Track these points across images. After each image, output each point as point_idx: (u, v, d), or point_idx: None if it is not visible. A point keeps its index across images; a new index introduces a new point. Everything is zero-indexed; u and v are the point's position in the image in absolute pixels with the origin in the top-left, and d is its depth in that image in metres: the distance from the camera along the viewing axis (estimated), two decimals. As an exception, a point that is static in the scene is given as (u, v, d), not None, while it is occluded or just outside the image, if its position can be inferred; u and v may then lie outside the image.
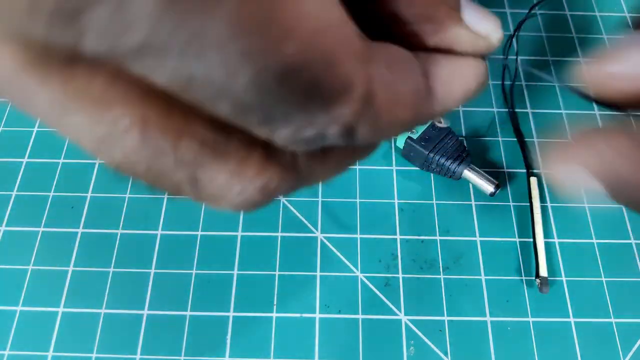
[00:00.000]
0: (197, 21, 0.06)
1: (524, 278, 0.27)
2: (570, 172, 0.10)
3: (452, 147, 0.28)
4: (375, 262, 0.27)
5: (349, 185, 0.30)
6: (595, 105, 0.33)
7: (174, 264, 0.27)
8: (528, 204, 0.29)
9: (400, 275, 0.27)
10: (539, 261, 0.27)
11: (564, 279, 0.27)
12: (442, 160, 0.28)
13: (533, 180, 0.29)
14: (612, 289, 0.27)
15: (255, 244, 0.28)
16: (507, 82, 0.33)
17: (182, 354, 0.25)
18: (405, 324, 0.26)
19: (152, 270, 0.27)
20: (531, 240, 0.28)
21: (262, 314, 0.26)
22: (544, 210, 0.28)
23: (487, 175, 0.28)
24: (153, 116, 0.08)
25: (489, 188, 0.28)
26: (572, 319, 0.26)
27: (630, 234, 0.28)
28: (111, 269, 0.27)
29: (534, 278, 0.27)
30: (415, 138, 0.28)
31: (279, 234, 0.28)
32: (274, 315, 0.26)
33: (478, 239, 0.28)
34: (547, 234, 0.28)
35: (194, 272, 0.27)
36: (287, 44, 0.07)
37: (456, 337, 0.26)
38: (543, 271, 0.26)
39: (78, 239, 0.28)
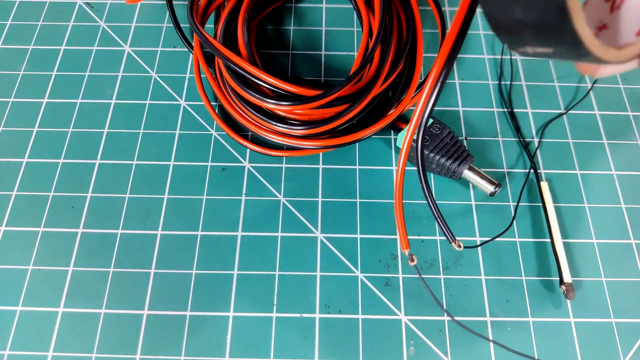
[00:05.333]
0: None
1: (524, 278, 0.27)
2: None
3: (452, 147, 0.28)
4: (375, 262, 0.27)
5: (349, 185, 0.30)
6: (595, 105, 0.33)
7: (174, 264, 0.27)
8: (528, 204, 0.29)
9: (400, 275, 0.27)
10: (561, 268, 0.26)
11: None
12: (442, 160, 0.28)
13: (544, 185, 0.29)
14: (612, 289, 0.27)
15: (255, 244, 0.28)
16: (507, 82, 0.33)
17: (182, 354, 0.25)
18: (405, 324, 0.26)
19: (152, 270, 0.27)
20: (532, 240, 0.28)
21: (262, 314, 0.26)
22: (542, 210, 0.28)
23: (487, 175, 0.28)
24: None
25: (489, 188, 0.28)
26: (572, 319, 0.26)
27: (630, 234, 0.28)
28: (111, 269, 0.27)
29: (534, 278, 0.27)
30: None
31: (279, 234, 0.28)
32: (274, 315, 0.26)
33: (478, 238, 0.28)
34: (547, 234, 0.28)
35: (194, 272, 0.27)
36: None
37: (456, 337, 0.26)
38: (567, 277, 0.26)
39: (78, 239, 0.28)
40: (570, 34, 0.13)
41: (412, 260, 0.24)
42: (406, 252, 0.24)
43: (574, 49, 0.14)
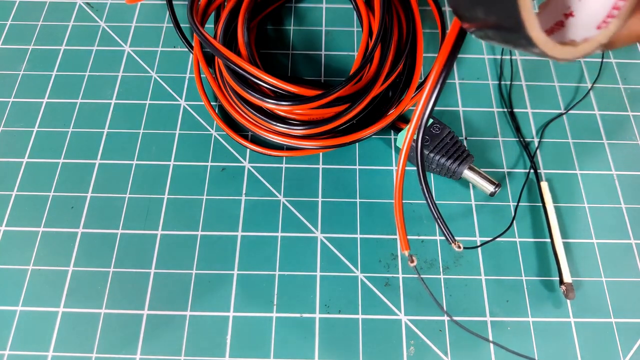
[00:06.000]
0: None
1: (524, 278, 0.27)
2: None
3: (452, 147, 0.28)
4: (375, 262, 0.27)
5: (349, 185, 0.30)
6: (595, 105, 0.33)
7: (174, 264, 0.27)
8: (528, 204, 0.29)
9: (400, 275, 0.27)
10: (561, 268, 0.27)
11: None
12: (442, 160, 0.28)
13: (544, 185, 0.29)
14: (612, 289, 0.27)
15: (255, 244, 0.28)
16: (507, 82, 0.33)
17: (182, 354, 0.25)
18: (405, 324, 0.26)
19: (152, 270, 0.27)
20: (532, 240, 0.28)
21: (262, 314, 0.26)
22: (542, 210, 0.28)
23: (487, 175, 0.28)
24: None
25: (489, 188, 0.28)
26: (572, 319, 0.26)
27: (630, 234, 0.28)
28: (111, 269, 0.27)
29: (534, 278, 0.27)
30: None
31: (279, 234, 0.28)
32: (274, 315, 0.26)
33: (478, 238, 0.28)
34: (547, 234, 0.28)
35: (194, 272, 0.27)
36: None
37: (456, 337, 0.26)
38: (567, 277, 0.26)
39: (78, 239, 0.28)
40: (525, 38, 0.14)
41: (412, 261, 0.24)
42: (406, 253, 0.24)
43: (531, 49, 0.15)
